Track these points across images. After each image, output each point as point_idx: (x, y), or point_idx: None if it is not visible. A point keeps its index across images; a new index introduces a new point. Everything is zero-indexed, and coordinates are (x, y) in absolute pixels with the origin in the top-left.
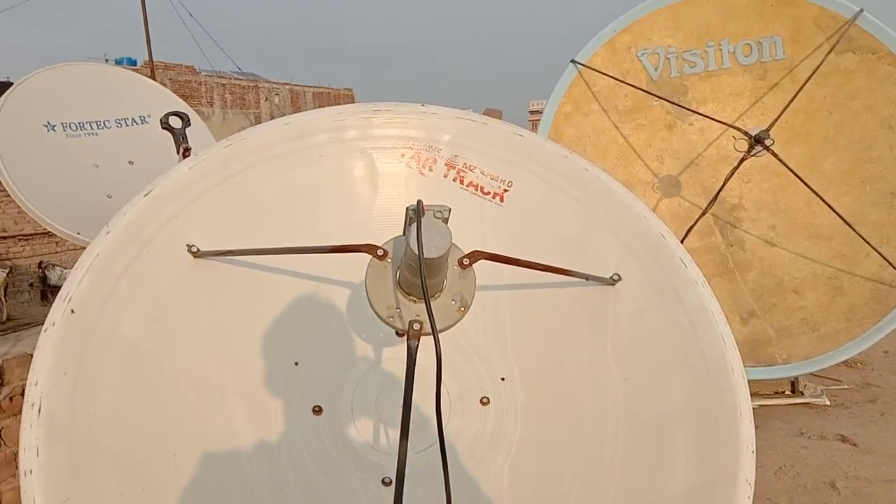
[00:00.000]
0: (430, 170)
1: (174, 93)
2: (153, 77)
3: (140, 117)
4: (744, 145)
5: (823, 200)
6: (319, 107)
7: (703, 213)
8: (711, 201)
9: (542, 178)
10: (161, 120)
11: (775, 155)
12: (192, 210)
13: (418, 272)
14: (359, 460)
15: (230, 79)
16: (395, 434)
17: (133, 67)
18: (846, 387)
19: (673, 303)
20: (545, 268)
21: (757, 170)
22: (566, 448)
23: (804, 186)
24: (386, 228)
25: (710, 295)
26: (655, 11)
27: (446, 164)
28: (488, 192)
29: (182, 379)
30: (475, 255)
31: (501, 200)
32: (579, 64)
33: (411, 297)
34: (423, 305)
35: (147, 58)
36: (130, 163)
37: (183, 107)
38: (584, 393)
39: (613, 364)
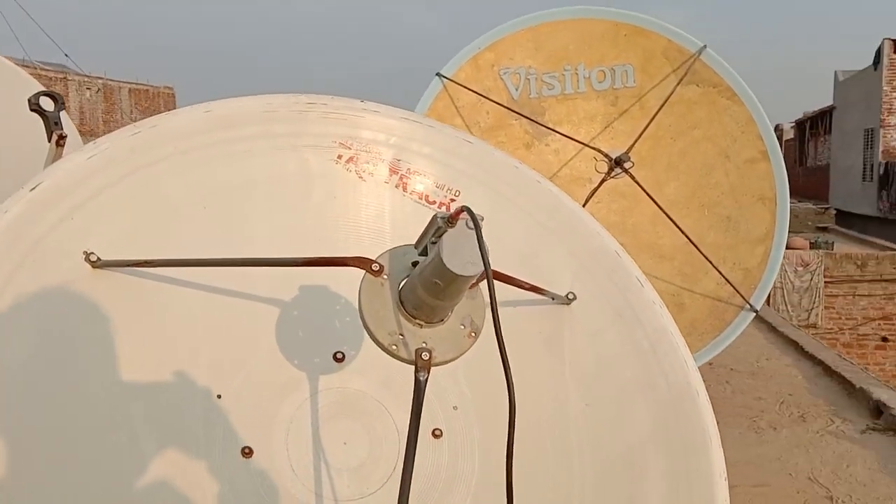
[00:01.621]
0: (371, 174)
1: None
2: None
3: None
4: (604, 167)
5: (674, 223)
6: (136, 105)
7: None
8: None
9: (491, 188)
10: (30, 100)
11: (633, 177)
12: (92, 209)
13: (443, 292)
14: None
15: (34, 69)
16: (340, 478)
17: None
18: None
19: (631, 324)
20: (531, 287)
21: (606, 191)
22: (531, 482)
23: (649, 208)
24: (325, 237)
25: (668, 316)
26: (519, 32)
27: (389, 169)
28: (434, 202)
29: (82, 418)
30: (482, 273)
31: (448, 210)
32: (444, 77)
33: (417, 321)
34: (429, 331)
35: None
36: None
37: (37, 87)
38: (545, 420)
39: (574, 389)
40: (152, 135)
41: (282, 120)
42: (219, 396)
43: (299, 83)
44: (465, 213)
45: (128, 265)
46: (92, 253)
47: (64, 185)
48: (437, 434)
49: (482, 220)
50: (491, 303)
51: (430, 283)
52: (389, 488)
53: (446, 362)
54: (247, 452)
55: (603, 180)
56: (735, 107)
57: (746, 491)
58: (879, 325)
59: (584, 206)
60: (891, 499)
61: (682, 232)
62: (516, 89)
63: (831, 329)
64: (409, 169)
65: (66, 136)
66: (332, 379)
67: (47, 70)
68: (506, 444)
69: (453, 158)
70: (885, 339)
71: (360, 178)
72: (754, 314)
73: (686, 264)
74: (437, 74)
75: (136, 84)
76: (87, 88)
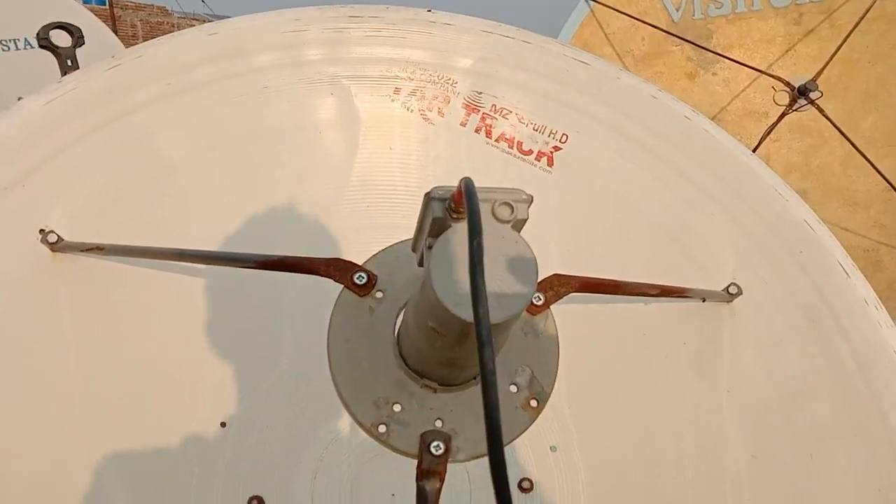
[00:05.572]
0: (440, 114)
1: (145, 37)
2: (113, 20)
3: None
4: (784, 98)
5: (871, 164)
6: None
7: None
8: None
9: (616, 129)
10: (38, 35)
11: (820, 110)
12: (50, 173)
13: (454, 345)
14: None
15: (204, 20)
16: None
17: (102, 7)
18: None
19: (830, 333)
20: (662, 291)
21: (787, 127)
22: None
23: (840, 147)
24: (370, 211)
25: (889, 323)
26: None
27: (465, 106)
28: (530, 151)
29: (33, 460)
30: (554, 285)
31: (550, 164)
32: (591, 0)
33: (427, 382)
34: (449, 397)
35: None
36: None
37: (94, 25)
38: (687, 475)
39: (733, 430)
40: (137, 68)
41: (314, 42)
42: (222, 425)
43: None
44: (464, 187)
45: (95, 250)
46: (51, 231)
47: (12, 142)
48: (525, 487)
49: (529, 202)
50: (482, 370)
51: (425, 326)
52: None
53: (482, 456)
54: (255, 503)
55: (784, 114)
56: None
57: None
58: None
59: (758, 144)
60: None
61: (882, 175)
62: (677, 10)
63: None
64: (494, 106)
65: None
66: None
67: (216, 21)
68: None
69: (560, 87)
70: None
71: (427, 120)
72: None
73: (885, 214)
74: None
75: None
76: None
